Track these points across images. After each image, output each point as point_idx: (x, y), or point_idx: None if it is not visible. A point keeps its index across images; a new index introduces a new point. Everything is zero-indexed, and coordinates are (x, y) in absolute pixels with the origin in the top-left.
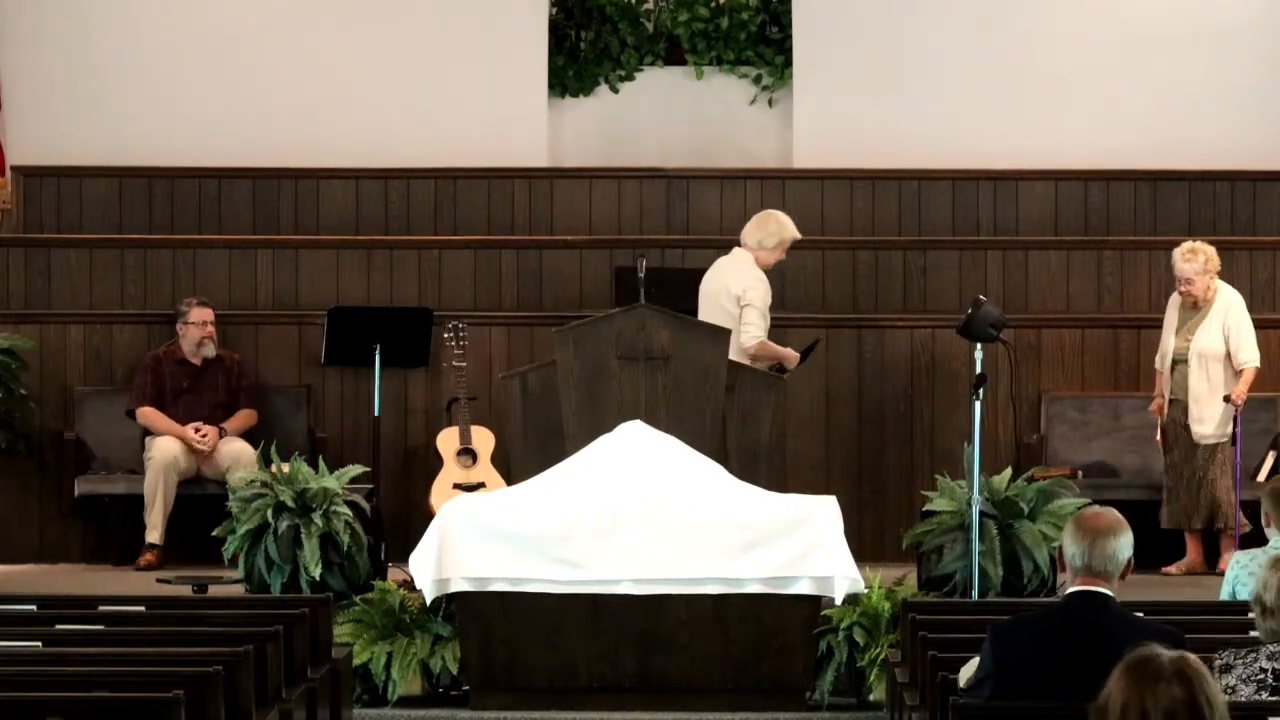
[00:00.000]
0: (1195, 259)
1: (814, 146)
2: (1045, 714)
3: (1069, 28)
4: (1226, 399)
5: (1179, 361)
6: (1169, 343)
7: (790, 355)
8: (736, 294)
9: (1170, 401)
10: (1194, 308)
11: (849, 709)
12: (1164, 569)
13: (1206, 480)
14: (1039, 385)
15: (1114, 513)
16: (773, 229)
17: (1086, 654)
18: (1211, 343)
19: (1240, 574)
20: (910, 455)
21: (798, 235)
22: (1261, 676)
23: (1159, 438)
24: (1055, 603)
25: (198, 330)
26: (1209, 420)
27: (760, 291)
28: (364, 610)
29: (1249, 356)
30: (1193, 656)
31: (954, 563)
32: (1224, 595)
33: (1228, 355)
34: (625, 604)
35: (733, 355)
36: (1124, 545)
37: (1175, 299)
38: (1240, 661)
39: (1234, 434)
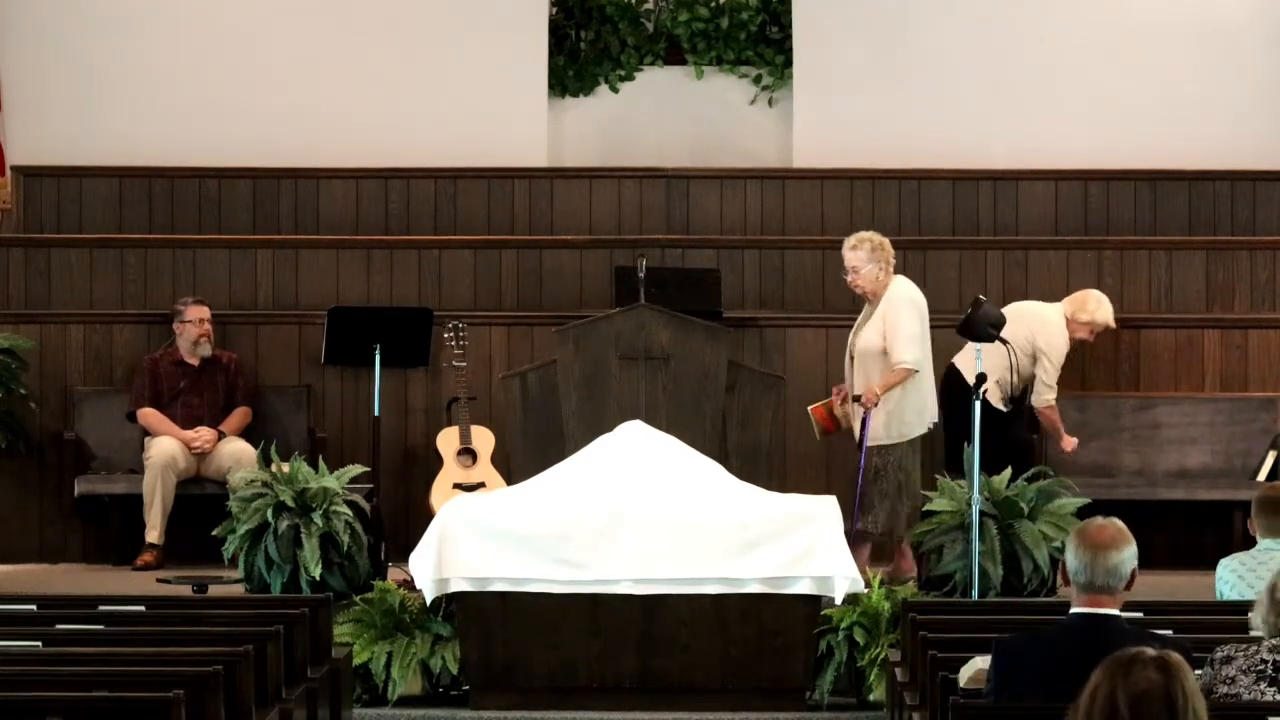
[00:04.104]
0: (860, 248)
1: (814, 146)
2: (1044, 715)
3: (1068, 28)
4: (857, 399)
5: (852, 359)
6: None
7: (1060, 429)
8: (1038, 341)
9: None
10: (870, 302)
11: (849, 709)
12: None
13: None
14: None
15: (1117, 524)
16: (1090, 308)
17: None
18: (870, 340)
19: (1227, 575)
20: None
21: (1111, 324)
22: (1262, 667)
23: (816, 418)
24: (1060, 621)
25: (195, 329)
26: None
27: (1058, 347)
28: (364, 610)
29: (901, 356)
30: (1176, 654)
31: (954, 563)
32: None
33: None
34: (625, 604)
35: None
36: (1127, 559)
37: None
38: (1241, 653)
39: (861, 435)
